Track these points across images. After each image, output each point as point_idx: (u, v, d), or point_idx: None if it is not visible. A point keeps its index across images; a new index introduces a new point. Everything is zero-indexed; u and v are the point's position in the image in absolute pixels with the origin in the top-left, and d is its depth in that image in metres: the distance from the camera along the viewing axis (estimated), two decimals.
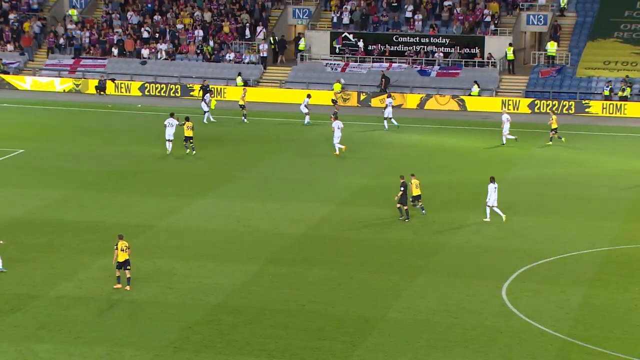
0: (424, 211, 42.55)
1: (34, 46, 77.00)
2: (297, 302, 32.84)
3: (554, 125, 56.58)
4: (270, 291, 33.78)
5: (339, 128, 53.16)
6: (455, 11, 74.44)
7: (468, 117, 65.87)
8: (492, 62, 71.06)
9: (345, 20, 75.12)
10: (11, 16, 78.86)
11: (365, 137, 58.68)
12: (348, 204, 43.94)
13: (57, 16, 79.72)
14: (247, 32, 75.48)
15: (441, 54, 72.11)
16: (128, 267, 33.36)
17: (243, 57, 73.97)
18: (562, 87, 69.24)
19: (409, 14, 74.80)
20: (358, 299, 33.20)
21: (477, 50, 71.72)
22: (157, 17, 77.59)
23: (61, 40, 76.22)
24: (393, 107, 61.27)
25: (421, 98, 68.55)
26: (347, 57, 73.23)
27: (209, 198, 44.86)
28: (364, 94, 69.44)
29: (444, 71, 71.21)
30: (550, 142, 56.65)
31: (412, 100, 68.75)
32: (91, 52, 75.68)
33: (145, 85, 71.62)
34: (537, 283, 34.91)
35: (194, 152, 52.47)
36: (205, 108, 61.17)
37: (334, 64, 72.83)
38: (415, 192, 42.17)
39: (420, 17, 74.31)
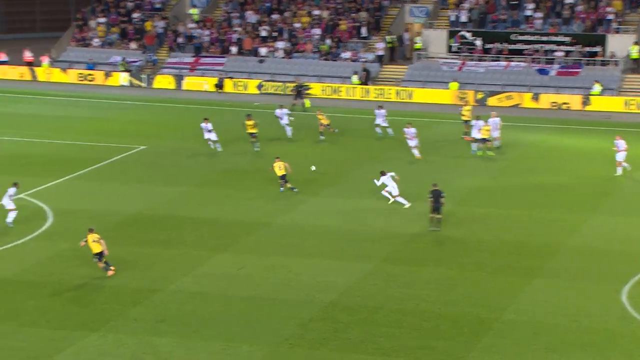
0: (295, 189, 44.71)
1: (155, 45, 78.59)
2: (412, 301, 32.68)
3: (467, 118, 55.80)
4: (385, 290, 33.70)
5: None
6: (576, 9, 73.04)
7: (589, 117, 64.59)
8: (614, 60, 69.47)
9: (463, 18, 74.49)
10: (135, 15, 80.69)
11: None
12: (464, 205, 43.53)
13: (179, 15, 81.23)
14: (364, 30, 75.55)
15: (561, 53, 70.83)
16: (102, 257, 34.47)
17: (359, 55, 74.05)
18: None
19: (528, 12, 73.74)
20: (474, 300, 32.86)
21: (600, 49, 70.25)
22: (275, 16, 78.34)
23: (181, 39, 77.60)
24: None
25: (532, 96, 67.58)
26: (464, 56, 72.60)
27: (324, 196, 45.01)
28: (480, 93, 68.73)
29: (564, 70, 69.95)
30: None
31: (528, 99, 67.76)
32: (210, 50, 76.85)
33: (263, 83, 72.33)
34: None
35: (257, 149, 52.55)
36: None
37: (451, 63, 72.30)
38: (280, 172, 44.60)
39: (540, 15, 73.18)
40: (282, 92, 70.64)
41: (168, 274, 35.00)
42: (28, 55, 77.79)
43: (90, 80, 75.12)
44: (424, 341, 29.65)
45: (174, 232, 39.68)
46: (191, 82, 73.63)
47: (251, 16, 78.69)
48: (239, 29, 77.73)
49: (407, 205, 42.91)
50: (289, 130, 56.11)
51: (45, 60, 77.23)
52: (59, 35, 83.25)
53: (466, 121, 56.37)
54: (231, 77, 73.11)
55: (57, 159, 51.41)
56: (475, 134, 52.88)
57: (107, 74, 75.13)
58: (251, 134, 53.22)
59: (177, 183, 46.97)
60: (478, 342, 29.64)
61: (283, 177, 45.01)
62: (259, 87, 72.18)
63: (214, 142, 53.00)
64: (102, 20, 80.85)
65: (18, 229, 39.48)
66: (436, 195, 39.75)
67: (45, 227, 40.06)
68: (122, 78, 74.77)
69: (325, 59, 74.51)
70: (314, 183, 46.87)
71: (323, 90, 71.01)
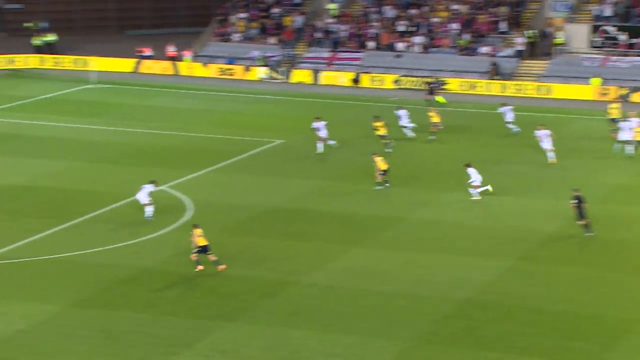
0: (387, 184, 44.62)
1: (294, 39, 79.33)
2: (549, 300, 32.09)
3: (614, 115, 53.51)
4: (522, 288, 33.18)
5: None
6: None
7: None
8: None
9: (607, 12, 72.65)
10: (274, 10, 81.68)
11: None
12: (605, 203, 42.47)
13: (317, 10, 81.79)
14: (504, 25, 74.50)
15: None
16: (209, 252, 34.62)
17: (498, 50, 73.07)
18: None
19: None
20: (613, 300, 32.05)
21: None
22: (413, 11, 78.04)
23: (319, 34, 78.11)
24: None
25: None
26: (607, 51, 70.80)
27: (458, 192, 44.55)
28: (624, 89, 66.89)
29: None
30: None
31: None
32: (348, 45, 77.09)
33: (399, 78, 72.13)
34: None
35: (390, 150, 51.13)
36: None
37: (593, 58, 70.64)
38: (383, 166, 44.69)
39: None
40: (418, 87, 70.28)
41: (302, 267, 35.27)
42: (171, 50, 79.62)
43: (230, 75, 76.38)
44: (561, 341, 29.08)
45: (309, 225, 39.96)
46: (328, 77, 74.05)
47: (389, 11, 78.59)
48: (377, 23, 77.73)
49: (478, 196, 43.09)
50: (409, 130, 55.40)
51: (188, 55, 78.89)
52: (201, 30, 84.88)
53: (613, 119, 54.67)
54: (368, 72, 73.11)
55: (196, 152, 52.42)
56: (626, 134, 50.85)
57: (247, 69, 76.24)
58: (381, 136, 52.15)
59: (312, 177, 47.28)
60: (617, 343, 28.90)
61: (385, 172, 44.90)
62: (396, 82, 72.04)
63: (324, 139, 51.78)
64: (243, 15, 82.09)
65: (158, 220, 40.40)
66: (579, 201, 38.66)
67: (184, 219, 40.90)
68: (260, 72, 75.77)
69: (463, 54, 73.81)
70: (446, 179, 46.47)
71: (460, 85, 70.35)
